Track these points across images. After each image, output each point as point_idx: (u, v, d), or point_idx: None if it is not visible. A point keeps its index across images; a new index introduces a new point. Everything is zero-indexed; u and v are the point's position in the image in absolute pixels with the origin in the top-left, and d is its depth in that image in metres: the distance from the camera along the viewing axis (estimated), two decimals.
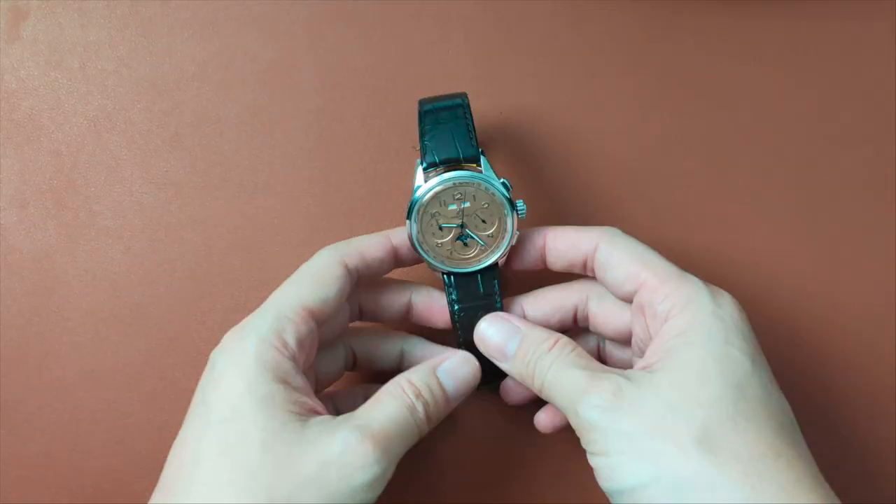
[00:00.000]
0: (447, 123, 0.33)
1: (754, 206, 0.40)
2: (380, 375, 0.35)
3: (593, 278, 0.34)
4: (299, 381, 0.30)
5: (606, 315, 0.34)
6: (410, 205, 0.33)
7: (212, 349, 0.31)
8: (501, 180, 0.33)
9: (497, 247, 0.34)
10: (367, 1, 0.40)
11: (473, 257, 0.34)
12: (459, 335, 0.35)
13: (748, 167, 0.40)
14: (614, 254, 0.33)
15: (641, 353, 0.33)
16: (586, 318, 0.35)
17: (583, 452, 0.30)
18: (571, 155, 0.40)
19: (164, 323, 0.39)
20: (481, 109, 0.40)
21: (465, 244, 0.33)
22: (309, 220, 0.39)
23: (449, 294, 0.34)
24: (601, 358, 0.37)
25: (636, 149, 0.40)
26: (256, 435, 0.28)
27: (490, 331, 0.34)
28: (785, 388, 0.31)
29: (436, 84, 0.40)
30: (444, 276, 0.34)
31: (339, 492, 0.28)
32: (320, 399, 0.31)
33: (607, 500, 0.30)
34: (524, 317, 0.35)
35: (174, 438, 0.30)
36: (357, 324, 0.36)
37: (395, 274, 0.36)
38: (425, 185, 0.33)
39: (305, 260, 0.34)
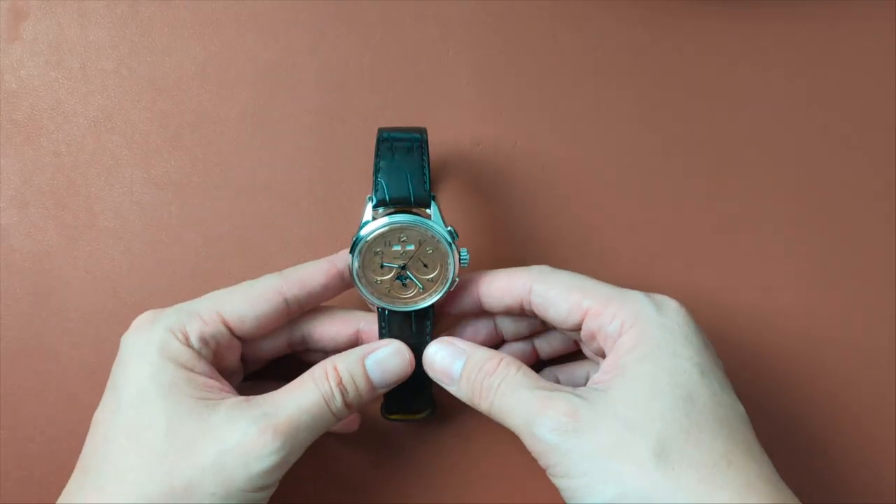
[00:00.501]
0: (403, 159, 0.33)
1: (754, 206, 0.40)
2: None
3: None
4: (205, 368, 0.31)
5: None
6: (354, 241, 0.33)
7: None
8: (448, 228, 0.33)
9: (436, 291, 0.34)
10: (367, 1, 0.40)
11: (410, 298, 0.34)
12: None
13: (748, 168, 0.40)
14: (550, 291, 0.33)
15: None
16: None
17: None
18: (572, 170, 0.40)
19: None
20: (481, 109, 0.40)
21: (404, 284, 0.34)
22: (309, 220, 0.39)
23: (381, 328, 0.34)
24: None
25: (620, 175, 0.40)
26: (160, 421, 0.29)
27: (437, 355, 0.34)
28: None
29: (436, 84, 0.40)
30: (379, 310, 0.34)
31: (237, 478, 0.29)
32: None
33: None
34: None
35: None
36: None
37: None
38: (372, 223, 0.33)
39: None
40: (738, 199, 0.40)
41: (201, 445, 0.29)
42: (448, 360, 0.33)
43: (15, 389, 0.38)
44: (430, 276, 0.34)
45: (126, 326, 0.33)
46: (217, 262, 0.39)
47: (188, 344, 0.31)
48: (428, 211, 0.33)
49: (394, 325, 0.34)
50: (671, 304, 0.32)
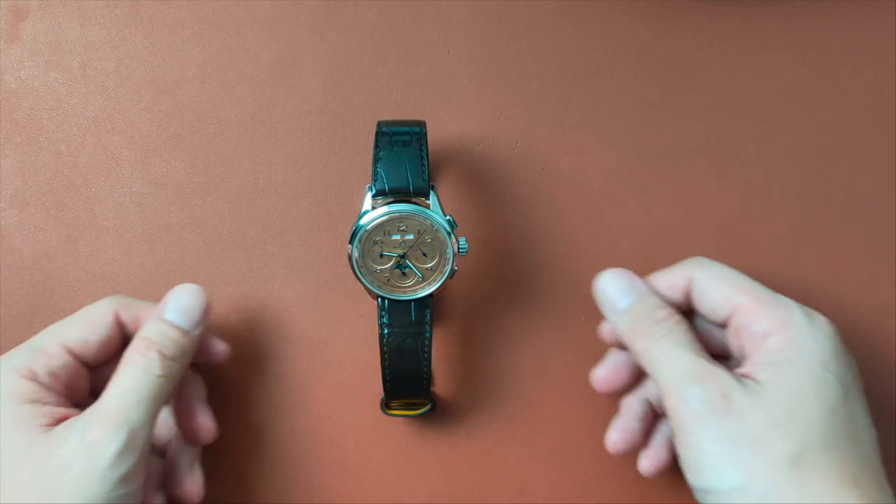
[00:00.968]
0: (402, 151, 0.33)
1: (755, 206, 0.40)
2: None
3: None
4: (54, 398, 0.32)
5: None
6: (354, 230, 0.33)
7: None
8: (447, 217, 0.33)
9: (434, 280, 0.34)
10: (367, 1, 0.40)
11: (410, 287, 0.34)
12: (386, 359, 0.35)
13: (749, 168, 0.40)
14: (710, 280, 0.34)
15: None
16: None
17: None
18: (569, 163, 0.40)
19: None
20: (481, 109, 0.40)
21: (404, 273, 0.34)
22: (309, 220, 0.39)
23: (381, 317, 0.34)
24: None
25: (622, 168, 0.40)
26: (7, 454, 0.30)
27: (610, 282, 0.35)
28: None
29: (436, 84, 0.40)
30: (379, 299, 0.34)
31: (90, 478, 0.29)
32: None
33: None
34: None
35: None
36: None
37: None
38: (372, 212, 0.33)
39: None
40: (738, 199, 0.40)
41: (48, 466, 0.29)
42: (620, 291, 0.34)
43: None
44: (430, 265, 0.34)
45: None
46: (217, 262, 0.39)
47: (36, 380, 0.32)
48: (427, 201, 0.33)
49: (393, 314, 0.34)
50: (822, 319, 0.32)
